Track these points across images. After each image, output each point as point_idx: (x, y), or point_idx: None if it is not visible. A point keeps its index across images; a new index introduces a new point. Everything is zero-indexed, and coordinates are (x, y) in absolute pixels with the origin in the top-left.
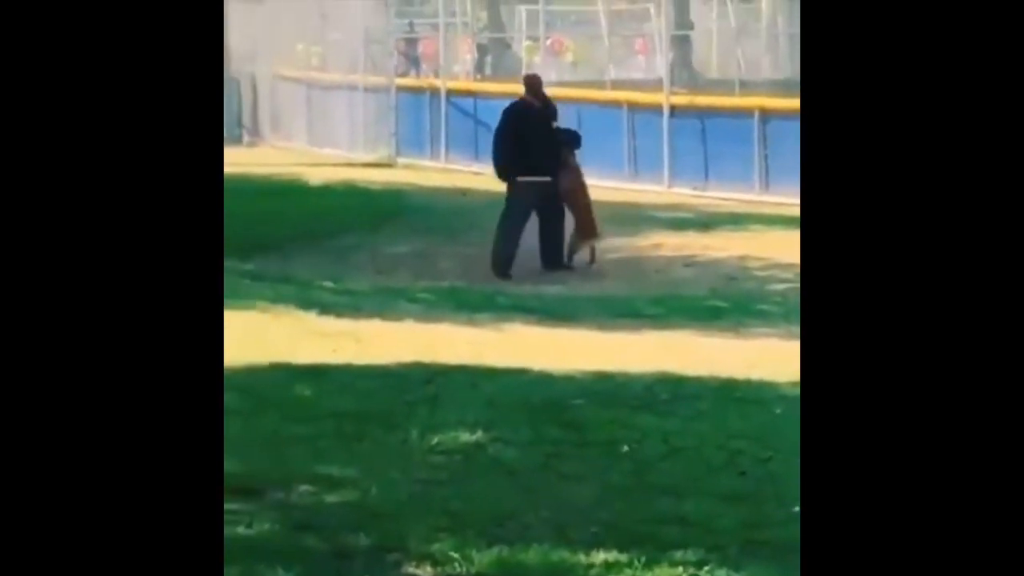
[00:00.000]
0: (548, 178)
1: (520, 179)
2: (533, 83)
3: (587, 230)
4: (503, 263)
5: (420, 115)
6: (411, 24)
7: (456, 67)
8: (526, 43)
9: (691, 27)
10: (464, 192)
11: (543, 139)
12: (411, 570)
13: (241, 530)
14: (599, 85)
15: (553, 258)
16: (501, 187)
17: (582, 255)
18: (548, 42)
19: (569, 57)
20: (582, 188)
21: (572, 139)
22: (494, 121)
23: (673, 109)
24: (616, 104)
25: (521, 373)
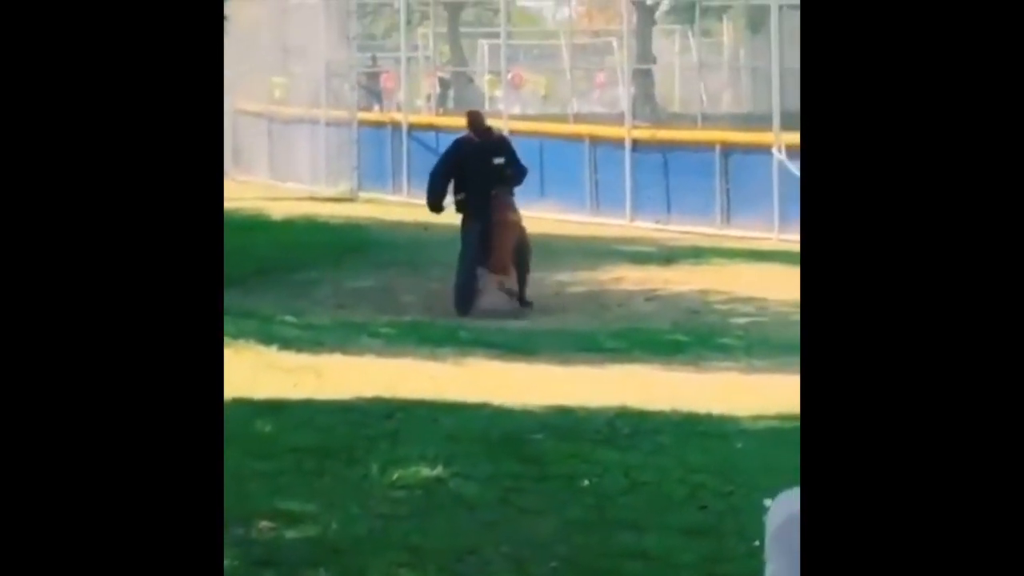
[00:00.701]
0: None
1: (467, 215)
2: (474, 119)
3: (496, 265)
4: (461, 300)
5: (382, 149)
6: (373, 58)
7: (418, 101)
8: (488, 77)
9: (653, 61)
10: (426, 227)
11: (479, 175)
12: None
13: None
14: (561, 119)
15: (461, 303)
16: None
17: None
18: (509, 76)
19: (535, 90)
20: (505, 224)
21: (515, 174)
22: None
23: (635, 143)
24: (578, 138)
25: (482, 408)
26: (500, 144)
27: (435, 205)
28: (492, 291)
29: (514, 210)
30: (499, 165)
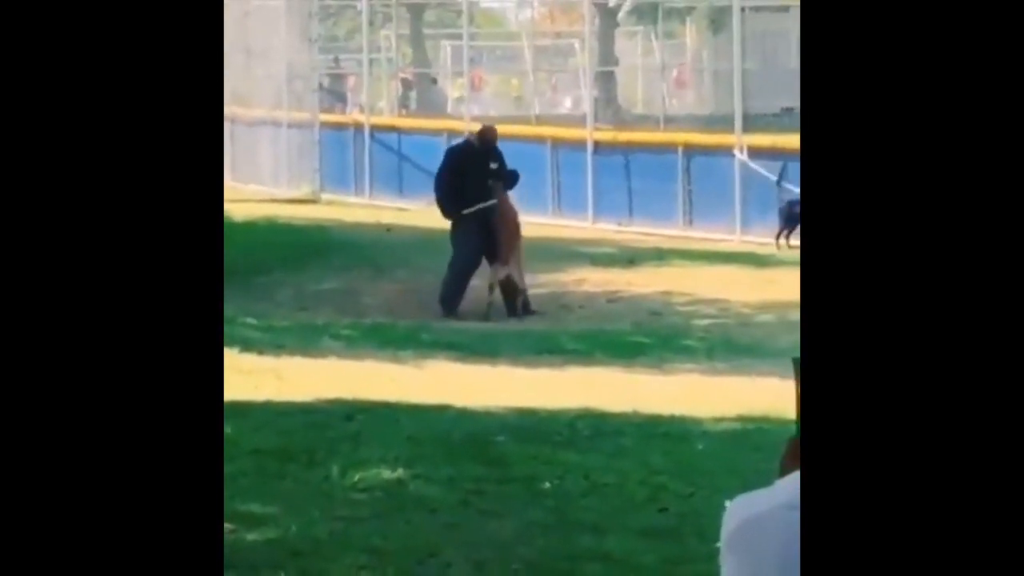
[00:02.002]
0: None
1: (458, 218)
2: (488, 135)
3: (506, 259)
4: (448, 301)
5: (344, 151)
6: (336, 60)
7: (381, 103)
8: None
9: (616, 63)
10: (388, 228)
11: (482, 178)
12: None
13: None
14: (524, 120)
15: (448, 301)
16: (425, 223)
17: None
18: (469, 77)
19: (501, 91)
20: (514, 222)
21: (508, 177)
22: (418, 157)
23: (597, 145)
24: (540, 139)
25: (443, 409)
26: (494, 150)
27: (454, 211)
28: (496, 273)
29: (515, 210)
30: (494, 170)
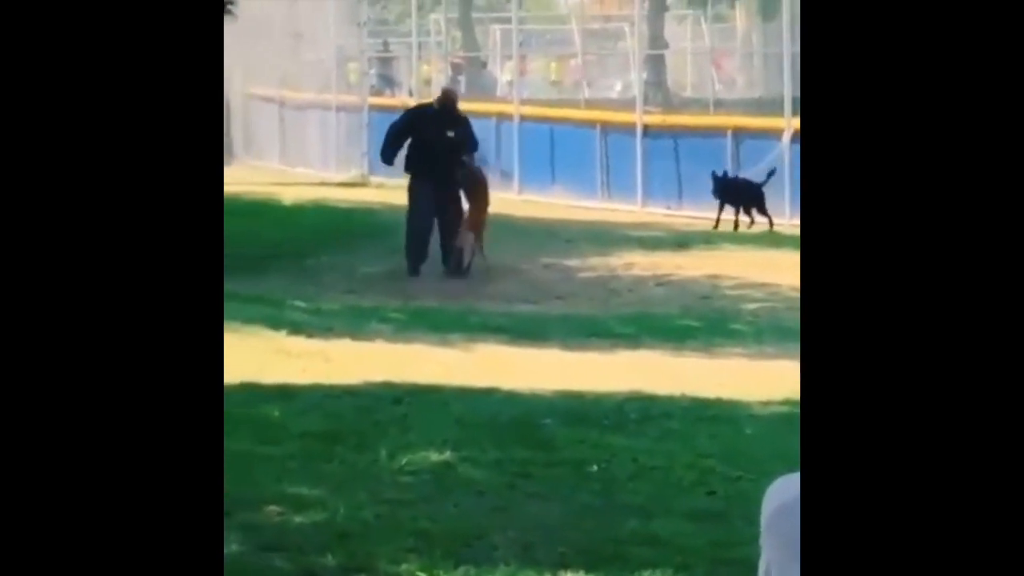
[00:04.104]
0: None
1: (413, 178)
2: (449, 97)
3: (474, 223)
4: (412, 260)
5: None
6: (385, 43)
7: (431, 86)
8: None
9: (665, 46)
10: None
11: (432, 142)
12: None
13: None
14: (573, 104)
15: (452, 262)
16: None
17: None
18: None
19: (545, 75)
20: (481, 186)
21: (467, 144)
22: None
23: (646, 128)
24: (590, 123)
25: (491, 393)
26: (458, 118)
27: (385, 161)
28: (465, 238)
29: (483, 175)
30: (451, 137)
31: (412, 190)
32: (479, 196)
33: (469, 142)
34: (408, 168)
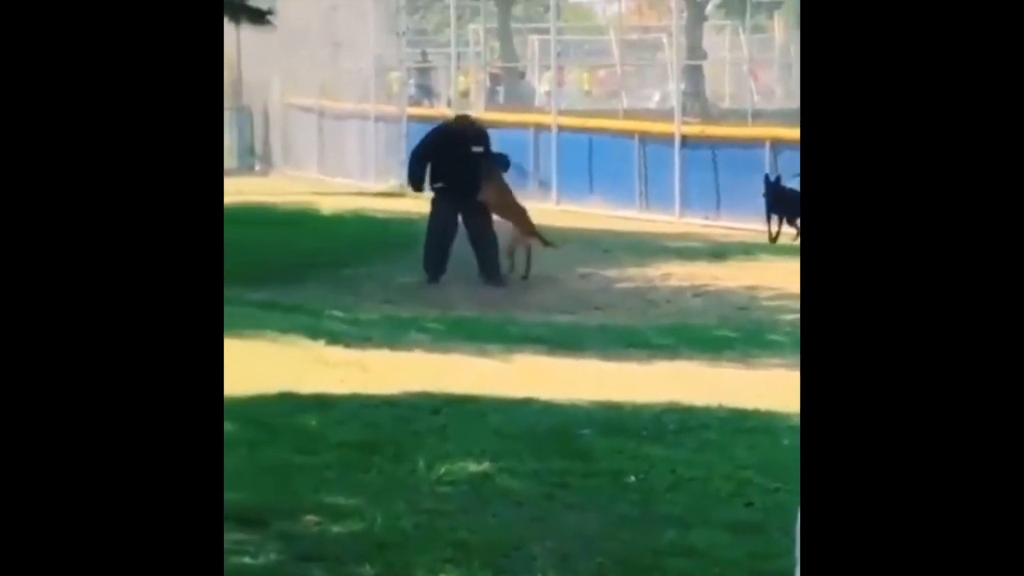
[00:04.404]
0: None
1: (436, 193)
2: (464, 121)
3: (525, 228)
4: (430, 267)
5: None
6: (423, 54)
7: (468, 97)
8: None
9: (704, 57)
10: None
11: (457, 159)
12: None
13: (247, 560)
14: (611, 114)
15: (490, 273)
16: None
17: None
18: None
19: (579, 85)
20: (508, 197)
21: (499, 161)
22: (506, 150)
23: (684, 139)
24: (628, 134)
25: (529, 403)
26: (480, 135)
27: (413, 187)
28: (517, 241)
29: (508, 189)
30: (476, 153)
31: (435, 203)
32: (515, 208)
33: (497, 156)
34: (433, 183)
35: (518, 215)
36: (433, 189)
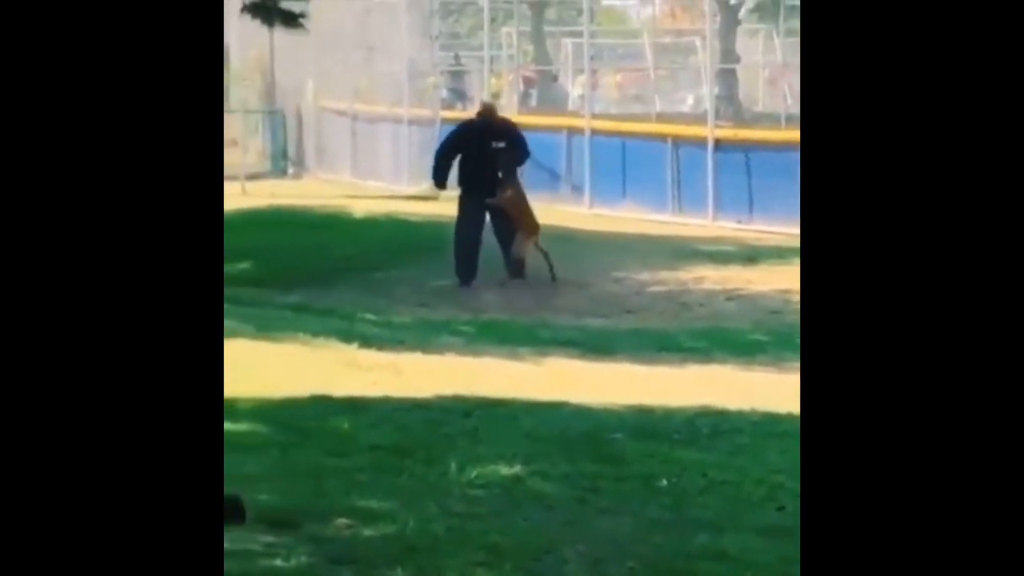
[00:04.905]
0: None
1: (464, 191)
2: (487, 110)
3: (529, 228)
4: (461, 271)
5: None
6: (457, 57)
7: (501, 100)
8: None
9: (737, 60)
10: None
11: (480, 156)
12: None
13: (278, 563)
14: (644, 118)
15: (513, 268)
16: (546, 220)
17: (541, 271)
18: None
19: (609, 89)
20: (518, 196)
21: (515, 156)
22: (539, 154)
23: (717, 142)
24: (661, 137)
25: (561, 406)
26: (504, 129)
27: (437, 184)
28: (523, 245)
29: (519, 188)
30: (498, 148)
31: (461, 202)
32: (523, 206)
33: (520, 152)
34: (460, 182)
35: (526, 215)
36: (460, 185)
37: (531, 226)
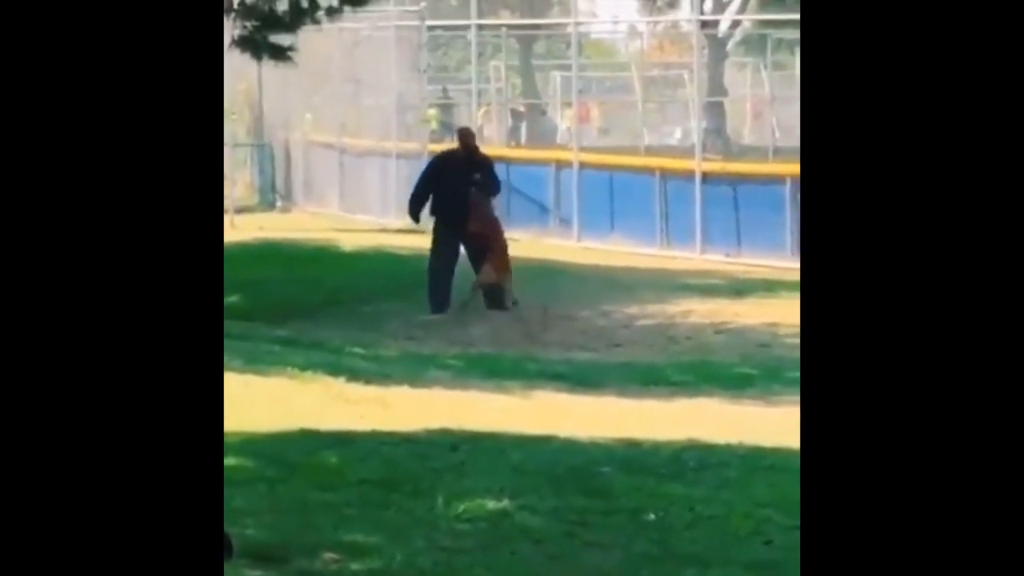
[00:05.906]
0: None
1: (437, 222)
2: (465, 136)
3: (496, 268)
4: (434, 300)
5: None
6: (444, 90)
7: (486, 132)
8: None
9: (725, 93)
10: None
11: (453, 186)
12: None
13: None
14: (632, 151)
15: (490, 299)
16: (535, 253)
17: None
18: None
19: (599, 123)
20: (492, 230)
21: (489, 187)
22: (527, 187)
23: (705, 175)
24: (649, 170)
25: (548, 440)
26: (481, 161)
27: (412, 217)
28: (489, 274)
29: (495, 218)
30: (471, 179)
31: (436, 231)
32: (497, 239)
33: (491, 185)
34: (433, 212)
35: (499, 251)
36: (433, 215)
37: (502, 263)
